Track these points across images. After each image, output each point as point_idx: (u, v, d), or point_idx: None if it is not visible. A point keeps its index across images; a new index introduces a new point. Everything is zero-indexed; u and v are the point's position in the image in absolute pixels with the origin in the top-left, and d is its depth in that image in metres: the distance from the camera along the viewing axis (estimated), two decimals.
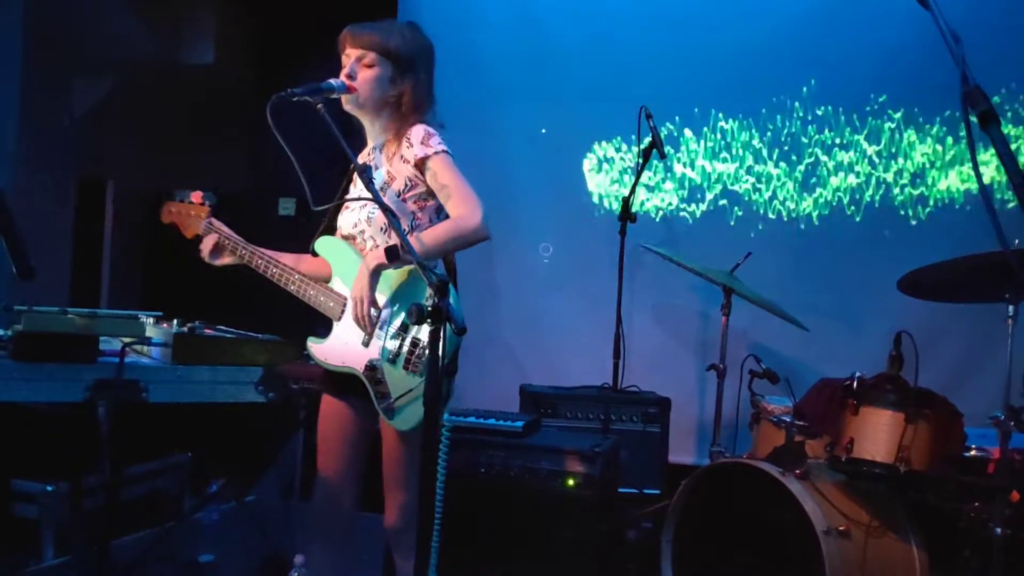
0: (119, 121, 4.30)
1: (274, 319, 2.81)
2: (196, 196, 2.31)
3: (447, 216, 2.18)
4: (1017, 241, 2.39)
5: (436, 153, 2.16)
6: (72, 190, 4.19)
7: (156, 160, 4.54)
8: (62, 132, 4.09)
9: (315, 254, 2.29)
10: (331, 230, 2.32)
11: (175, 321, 1.91)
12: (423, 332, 2.03)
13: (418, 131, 2.19)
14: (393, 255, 2.02)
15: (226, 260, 2.33)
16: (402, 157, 2.21)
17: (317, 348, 2.22)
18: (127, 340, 1.71)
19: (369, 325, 2.11)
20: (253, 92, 4.82)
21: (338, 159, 2.29)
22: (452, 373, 2.13)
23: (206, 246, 2.31)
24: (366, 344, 2.17)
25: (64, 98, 4.14)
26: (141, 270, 4.61)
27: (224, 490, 3.82)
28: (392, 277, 2.17)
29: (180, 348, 1.73)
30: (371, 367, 2.15)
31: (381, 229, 2.20)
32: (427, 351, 2.06)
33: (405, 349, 2.11)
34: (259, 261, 2.27)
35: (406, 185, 2.20)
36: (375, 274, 2.08)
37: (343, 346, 2.19)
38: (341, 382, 2.24)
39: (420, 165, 2.16)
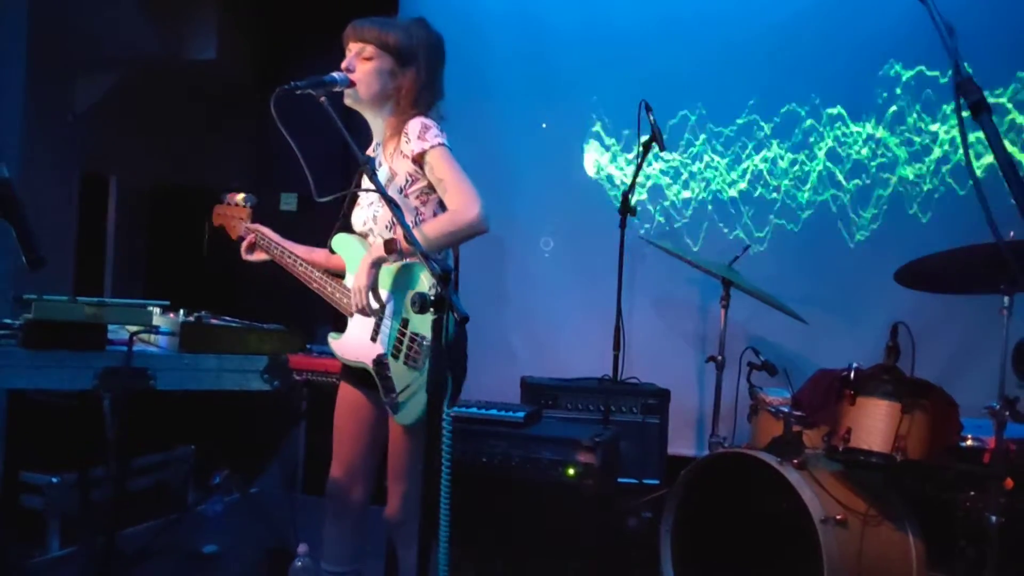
0: (122, 116, 4.32)
1: (275, 311, 2.84)
2: (234, 197, 2.52)
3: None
4: (1012, 233, 2.40)
5: (433, 147, 2.12)
6: (76, 185, 4.22)
7: (159, 155, 4.57)
8: (66, 128, 4.11)
9: (332, 251, 2.32)
10: (347, 228, 2.33)
11: (181, 311, 1.94)
12: (423, 326, 2.04)
13: (415, 125, 2.15)
14: (390, 248, 2.03)
15: (260, 256, 2.48)
16: (401, 152, 2.19)
17: (336, 343, 2.27)
18: (134, 329, 1.73)
19: (371, 314, 2.12)
20: (255, 88, 4.84)
21: (342, 154, 2.31)
22: (460, 371, 2.15)
23: (245, 244, 2.48)
24: (373, 339, 2.19)
25: (68, 94, 4.16)
26: (144, 263, 4.64)
27: (227, 482, 3.85)
28: (392, 272, 2.17)
29: (187, 337, 1.76)
30: (379, 361, 2.16)
31: (387, 227, 2.20)
32: (426, 345, 2.07)
33: (404, 344, 2.11)
34: (287, 260, 2.39)
35: (407, 181, 2.18)
36: (375, 265, 2.10)
37: (356, 341, 2.22)
38: (357, 375, 2.28)
39: (419, 160, 2.14)
